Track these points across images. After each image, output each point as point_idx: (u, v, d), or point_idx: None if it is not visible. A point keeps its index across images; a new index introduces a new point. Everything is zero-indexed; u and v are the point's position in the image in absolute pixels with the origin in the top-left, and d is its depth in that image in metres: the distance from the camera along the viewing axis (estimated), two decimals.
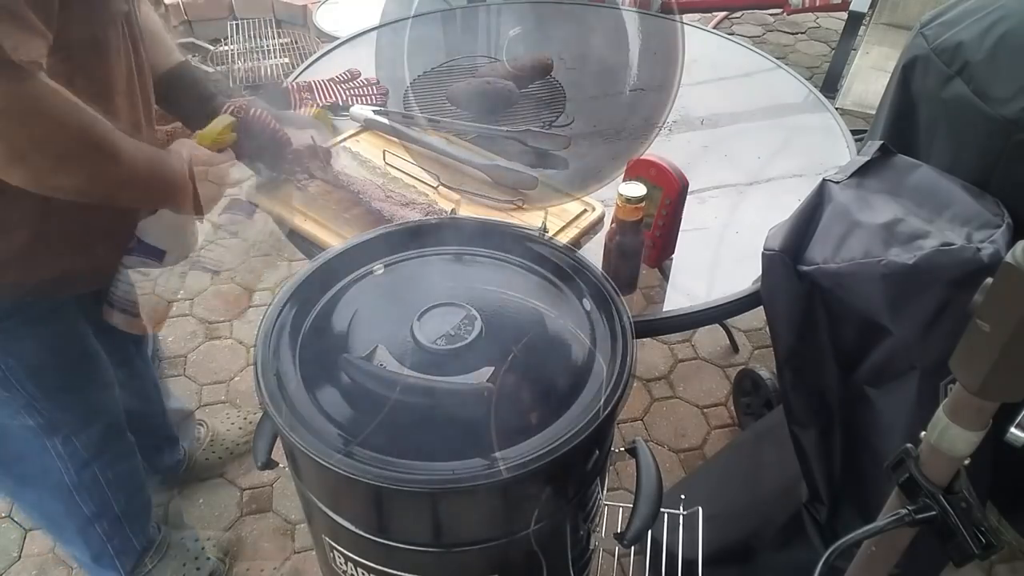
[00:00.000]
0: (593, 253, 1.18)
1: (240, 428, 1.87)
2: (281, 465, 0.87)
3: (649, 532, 0.98)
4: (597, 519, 0.97)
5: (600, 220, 1.28)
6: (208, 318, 2.21)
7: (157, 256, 1.04)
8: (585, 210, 1.28)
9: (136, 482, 1.43)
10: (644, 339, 1.88)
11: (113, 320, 1.10)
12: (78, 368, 1.19)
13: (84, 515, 1.32)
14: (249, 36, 3.06)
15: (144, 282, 1.06)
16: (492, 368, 0.78)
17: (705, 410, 1.99)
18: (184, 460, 1.75)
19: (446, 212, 1.20)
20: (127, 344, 1.41)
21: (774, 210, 1.20)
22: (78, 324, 1.16)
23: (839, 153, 1.47)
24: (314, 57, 1.77)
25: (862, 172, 1.06)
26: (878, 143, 1.09)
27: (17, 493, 1.33)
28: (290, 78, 1.69)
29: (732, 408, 1.98)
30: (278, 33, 3.08)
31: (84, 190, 0.91)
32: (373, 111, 1.45)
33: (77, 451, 1.24)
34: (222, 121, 1.07)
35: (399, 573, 0.83)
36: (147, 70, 1.06)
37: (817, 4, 3.26)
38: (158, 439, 1.64)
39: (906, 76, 1.13)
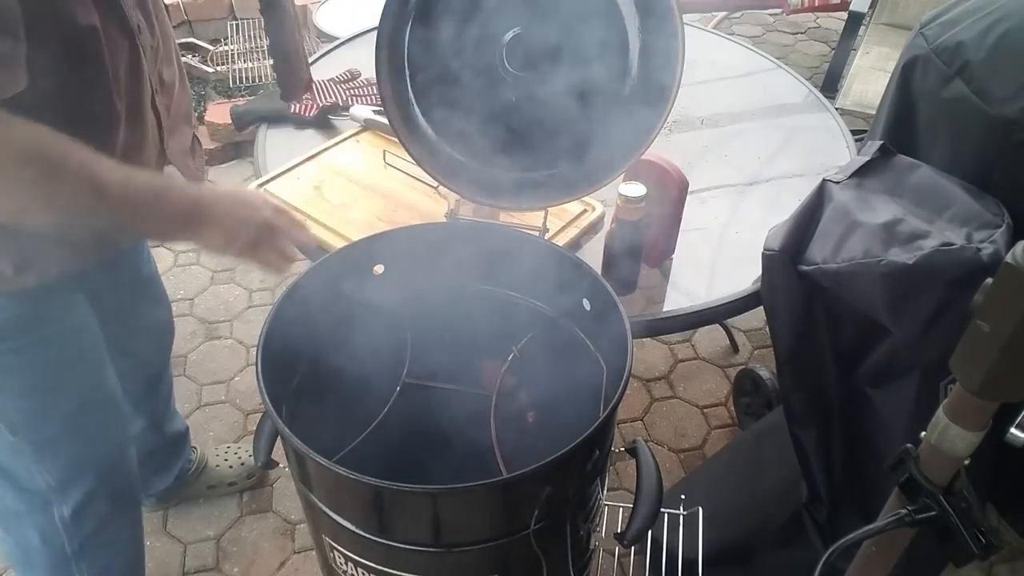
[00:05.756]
0: (593, 253, 1.18)
1: (231, 467, 1.73)
2: (281, 465, 0.87)
3: (649, 532, 0.98)
4: (597, 519, 0.97)
5: (600, 220, 1.28)
6: (208, 318, 2.21)
7: None
8: (585, 210, 1.28)
9: (134, 547, 1.36)
10: (644, 339, 1.88)
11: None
12: (87, 399, 1.12)
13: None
14: (249, 36, 3.05)
15: None
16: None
17: (705, 410, 1.99)
18: (176, 483, 1.66)
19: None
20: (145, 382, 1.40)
21: (774, 210, 1.20)
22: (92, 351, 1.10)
23: (839, 153, 1.47)
24: (314, 57, 1.77)
25: (862, 172, 1.06)
26: (878, 143, 1.09)
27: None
28: None
29: (732, 408, 1.98)
30: None
31: (61, 223, 0.83)
32: (373, 111, 1.45)
33: (82, 520, 1.18)
34: None
35: (399, 573, 0.83)
36: (171, 80, 0.97)
37: (817, 4, 3.25)
38: (152, 464, 1.57)
39: (906, 76, 1.13)
